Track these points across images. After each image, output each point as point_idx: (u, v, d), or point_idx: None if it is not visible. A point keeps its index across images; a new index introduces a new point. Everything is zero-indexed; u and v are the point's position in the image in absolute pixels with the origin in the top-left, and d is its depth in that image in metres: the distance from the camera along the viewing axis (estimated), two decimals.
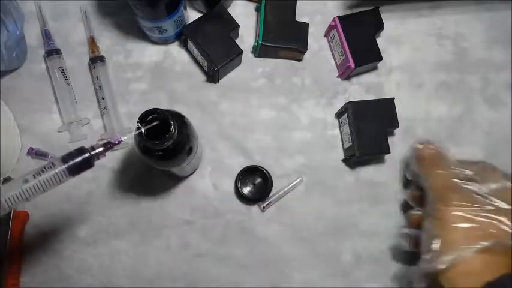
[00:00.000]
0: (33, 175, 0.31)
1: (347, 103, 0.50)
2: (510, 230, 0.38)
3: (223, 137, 0.52)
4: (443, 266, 0.38)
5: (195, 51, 0.52)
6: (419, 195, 0.46)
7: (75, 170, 0.32)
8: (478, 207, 0.39)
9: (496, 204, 0.39)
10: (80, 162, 0.32)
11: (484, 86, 0.56)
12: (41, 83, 0.52)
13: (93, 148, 0.33)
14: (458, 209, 0.39)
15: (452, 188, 0.41)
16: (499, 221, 0.38)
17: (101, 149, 0.33)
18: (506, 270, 0.37)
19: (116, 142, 0.34)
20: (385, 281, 0.50)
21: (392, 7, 0.56)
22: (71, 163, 0.32)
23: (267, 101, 0.54)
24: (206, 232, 0.51)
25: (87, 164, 0.33)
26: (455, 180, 0.41)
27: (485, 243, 0.37)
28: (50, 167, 0.31)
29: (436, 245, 0.39)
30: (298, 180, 0.51)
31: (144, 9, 0.46)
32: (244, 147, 0.52)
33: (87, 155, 0.32)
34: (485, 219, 0.38)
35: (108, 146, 0.33)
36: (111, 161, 0.51)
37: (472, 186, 0.41)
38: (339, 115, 0.53)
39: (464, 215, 0.39)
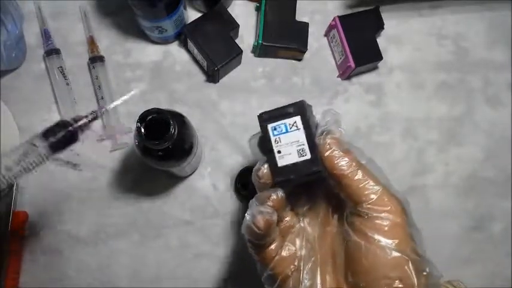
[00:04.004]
0: (16, 162, 0.29)
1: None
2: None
3: (223, 137, 0.52)
4: None
5: (195, 51, 0.52)
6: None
7: (58, 147, 0.30)
8: None
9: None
10: (63, 137, 0.30)
11: (484, 86, 0.56)
12: (40, 83, 0.52)
13: (75, 120, 0.31)
14: None
15: None
16: None
17: (84, 120, 0.31)
18: None
19: (103, 111, 0.32)
20: None
21: (392, 7, 0.56)
22: (53, 140, 0.30)
23: (267, 101, 0.53)
24: (206, 232, 0.51)
25: (72, 138, 0.31)
26: None
27: None
28: (33, 149, 0.29)
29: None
30: None
31: (144, 9, 0.46)
32: (244, 147, 0.52)
33: (69, 128, 0.30)
34: None
35: (93, 116, 0.32)
36: (111, 161, 0.51)
37: None
38: None
39: None
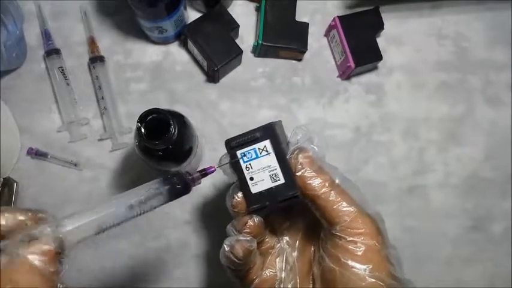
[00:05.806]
0: (139, 202, 0.29)
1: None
2: None
3: (223, 137, 0.52)
4: None
5: (195, 51, 0.52)
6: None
7: (173, 194, 0.31)
8: None
9: None
10: (179, 186, 0.31)
11: (484, 86, 0.56)
12: (40, 83, 0.52)
13: (189, 174, 0.32)
14: None
15: None
16: None
17: (197, 174, 0.32)
18: None
19: (210, 171, 0.33)
20: None
21: (392, 7, 0.56)
22: (170, 187, 0.31)
23: (267, 101, 0.53)
24: (206, 232, 0.51)
25: (186, 189, 0.31)
26: None
27: None
28: (156, 194, 0.30)
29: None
30: None
31: (144, 9, 0.46)
32: None
33: (186, 178, 0.32)
34: None
35: (205, 172, 0.33)
36: (111, 161, 0.51)
37: None
38: None
39: None
